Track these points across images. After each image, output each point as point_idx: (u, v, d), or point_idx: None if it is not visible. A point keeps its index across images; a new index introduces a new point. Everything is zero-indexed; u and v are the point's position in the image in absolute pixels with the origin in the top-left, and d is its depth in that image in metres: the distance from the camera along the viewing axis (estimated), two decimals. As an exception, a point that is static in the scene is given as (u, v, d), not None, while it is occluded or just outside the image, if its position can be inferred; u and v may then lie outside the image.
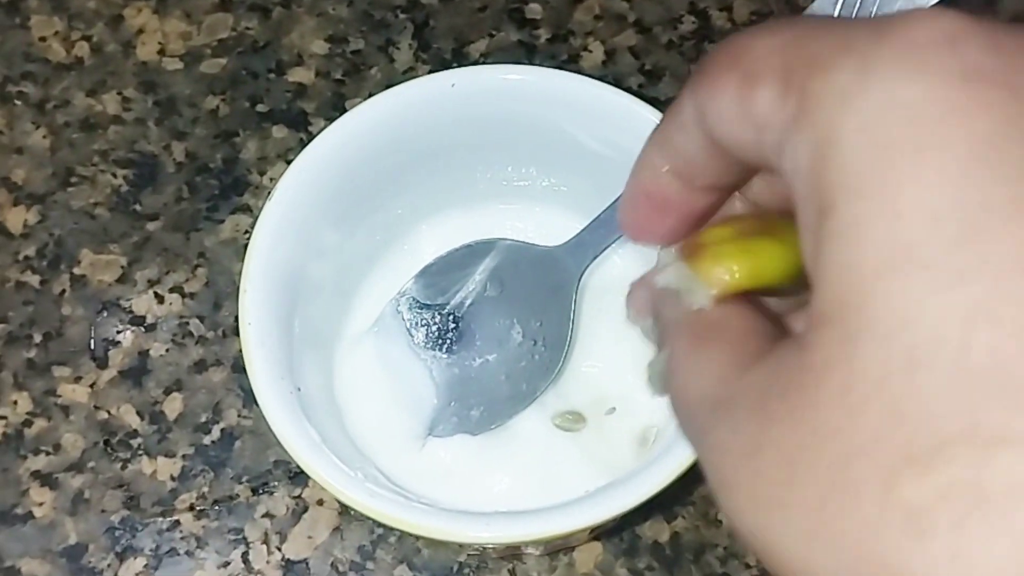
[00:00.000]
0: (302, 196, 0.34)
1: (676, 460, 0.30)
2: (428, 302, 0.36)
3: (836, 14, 0.31)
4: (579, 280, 0.36)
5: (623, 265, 0.37)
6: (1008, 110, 0.15)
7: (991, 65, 0.16)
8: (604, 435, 0.36)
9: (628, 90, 0.43)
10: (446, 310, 0.36)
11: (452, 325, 0.36)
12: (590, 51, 0.45)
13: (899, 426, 0.15)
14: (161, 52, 0.45)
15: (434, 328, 0.36)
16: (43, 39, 0.45)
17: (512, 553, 0.37)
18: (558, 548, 0.37)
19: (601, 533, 0.37)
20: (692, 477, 0.30)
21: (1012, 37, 0.16)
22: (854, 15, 0.31)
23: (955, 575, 0.14)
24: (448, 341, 0.36)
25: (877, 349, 0.15)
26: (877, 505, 0.15)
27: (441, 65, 0.45)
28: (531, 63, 0.45)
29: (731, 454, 0.18)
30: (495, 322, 0.36)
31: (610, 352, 0.36)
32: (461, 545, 0.36)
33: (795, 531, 0.16)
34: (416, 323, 0.36)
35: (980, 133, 0.15)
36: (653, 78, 0.45)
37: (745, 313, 0.20)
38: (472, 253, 0.36)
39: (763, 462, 0.17)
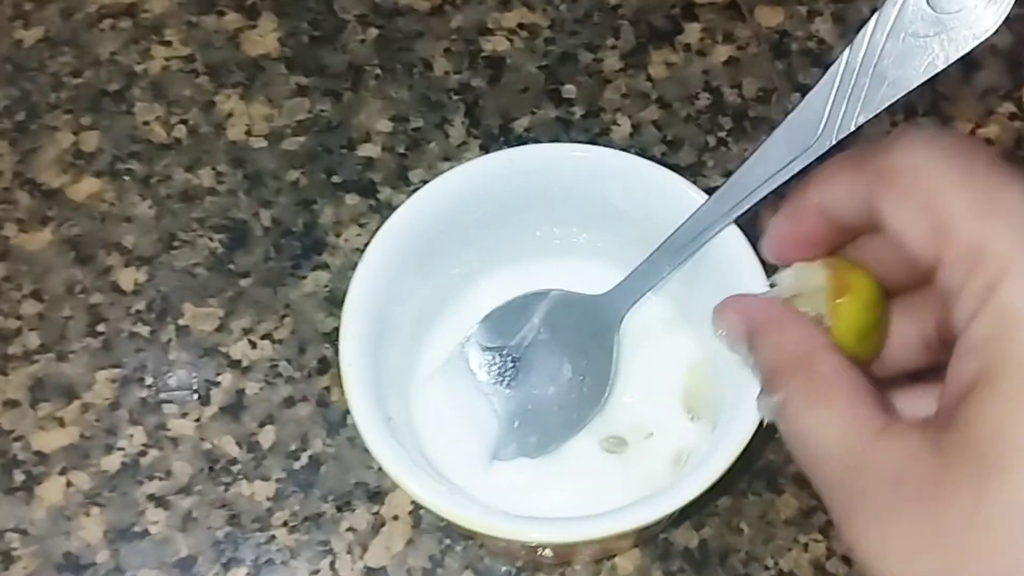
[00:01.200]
0: (388, 256, 0.39)
1: (705, 476, 0.34)
2: (490, 344, 0.42)
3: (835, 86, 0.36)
4: (620, 323, 0.41)
5: (657, 311, 0.43)
6: None
7: None
8: (644, 456, 0.41)
9: (652, 158, 0.49)
10: (505, 351, 0.42)
11: (511, 364, 0.42)
12: (619, 124, 0.51)
13: None
14: (248, 132, 0.51)
15: (496, 367, 0.42)
16: (146, 123, 0.52)
17: (563, 560, 0.43)
18: (603, 555, 0.43)
19: (639, 541, 0.43)
20: (717, 490, 0.35)
21: None
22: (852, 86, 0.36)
23: None
24: (508, 378, 0.41)
25: None
26: None
27: (489, 139, 0.51)
28: (568, 136, 0.51)
29: (864, 512, 0.24)
30: (548, 361, 0.41)
31: (647, 384, 0.41)
32: (521, 552, 0.42)
33: None
34: (480, 363, 0.42)
35: None
36: (674, 147, 0.51)
37: (854, 372, 0.26)
38: (527, 302, 0.42)
39: (896, 528, 0.22)
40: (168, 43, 0.54)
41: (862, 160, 0.30)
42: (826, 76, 0.35)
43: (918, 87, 0.35)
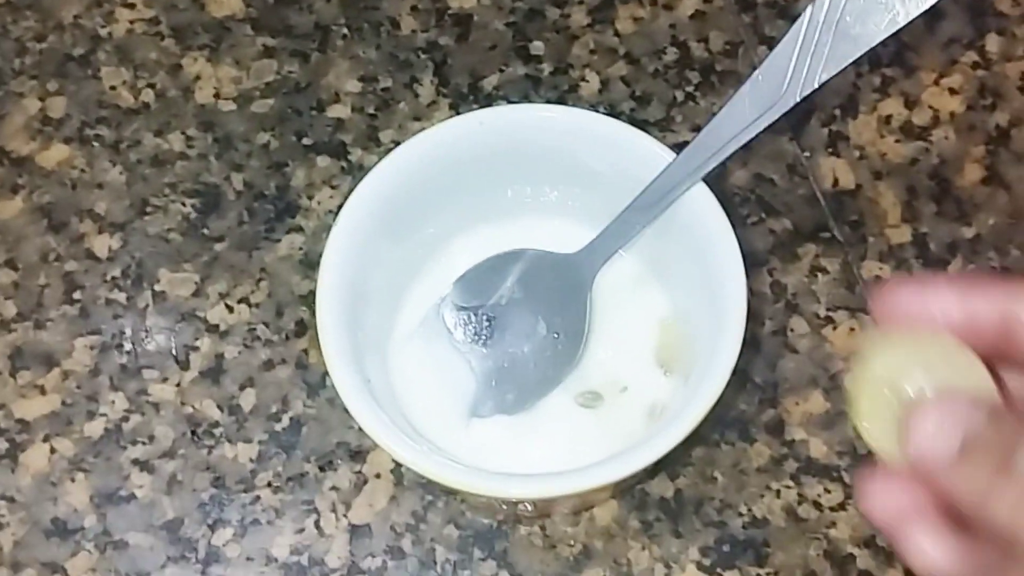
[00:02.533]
0: (362, 219, 0.40)
1: (678, 428, 0.36)
2: (466, 304, 0.42)
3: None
4: (592, 281, 0.42)
5: (629, 268, 0.43)
6: None
7: None
8: (619, 410, 0.42)
9: (621, 114, 0.50)
10: (481, 311, 0.42)
11: (487, 323, 0.42)
12: (587, 81, 0.51)
13: None
14: (216, 95, 0.51)
15: (472, 326, 0.42)
16: (113, 88, 0.51)
17: (543, 513, 0.44)
18: (581, 507, 0.44)
19: (617, 493, 0.44)
20: (691, 441, 0.36)
21: None
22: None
23: None
24: (484, 337, 0.42)
25: None
26: None
27: (459, 98, 0.51)
28: (537, 94, 0.51)
29: None
30: (523, 319, 0.42)
31: (621, 340, 0.42)
32: (502, 506, 0.43)
33: None
34: (456, 323, 0.42)
35: None
36: (643, 103, 0.51)
37: None
38: (501, 261, 0.42)
39: None
40: (132, 5, 0.53)
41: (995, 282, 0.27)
42: (789, 33, 0.36)
43: (880, 43, 0.36)
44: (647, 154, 0.40)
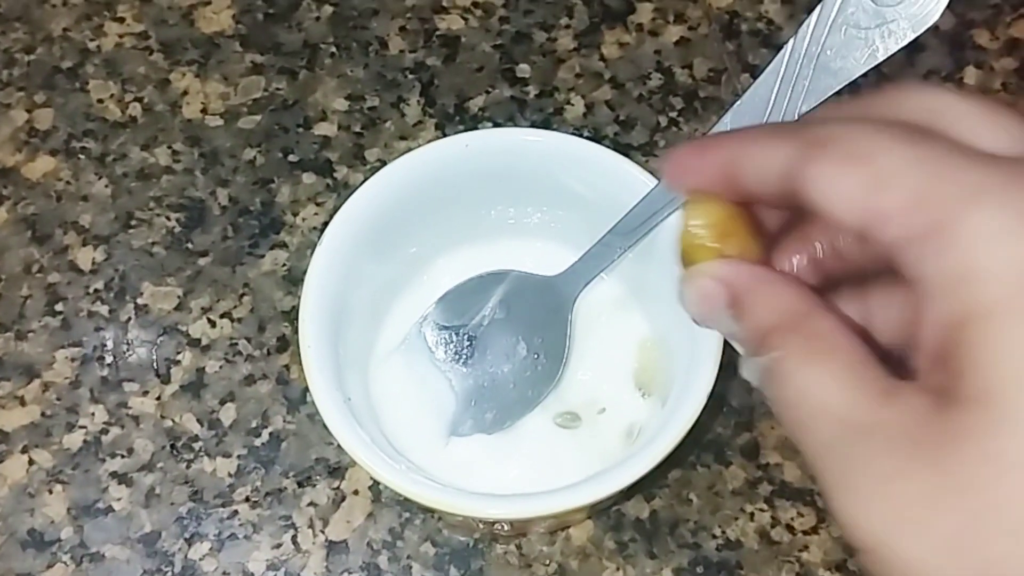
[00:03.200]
0: (344, 239, 0.40)
1: (656, 450, 0.36)
2: (447, 323, 0.43)
3: (778, 81, 0.38)
4: (574, 303, 0.42)
5: (610, 291, 0.44)
6: None
7: None
8: (596, 431, 0.42)
9: (605, 138, 0.51)
10: (462, 330, 0.43)
11: (468, 343, 0.43)
12: (572, 104, 0.52)
13: None
14: (204, 111, 0.52)
15: (453, 345, 0.43)
16: (101, 101, 0.52)
17: (519, 532, 0.44)
18: (558, 527, 0.44)
19: (593, 513, 0.44)
20: (668, 463, 0.37)
21: None
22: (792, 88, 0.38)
23: None
24: (465, 356, 0.43)
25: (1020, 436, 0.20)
26: (1010, 544, 0.20)
27: (445, 118, 0.52)
28: (522, 116, 0.51)
29: (868, 476, 0.22)
30: (504, 339, 0.43)
31: (600, 362, 0.43)
32: (478, 525, 0.43)
33: (929, 547, 0.20)
34: (437, 342, 0.43)
35: None
36: (627, 127, 0.51)
37: (854, 333, 0.24)
38: (483, 282, 0.43)
39: (906, 490, 0.21)
40: (121, 19, 0.54)
41: (792, 129, 0.28)
42: (771, 65, 0.36)
43: (859, 77, 0.36)
44: (629, 179, 0.41)
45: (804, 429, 0.24)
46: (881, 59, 0.35)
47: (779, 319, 0.26)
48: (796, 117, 0.37)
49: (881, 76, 0.52)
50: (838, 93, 0.36)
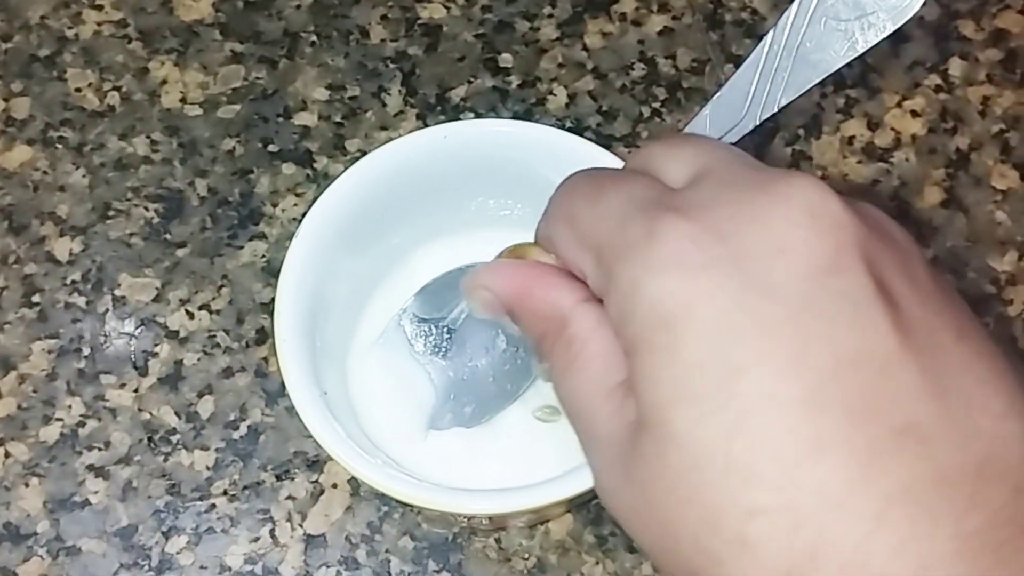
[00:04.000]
0: (322, 231, 0.40)
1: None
2: (426, 316, 0.42)
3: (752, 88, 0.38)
4: (552, 296, 0.42)
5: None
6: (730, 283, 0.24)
7: (704, 257, 0.24)
8: (575, 425, 0.42)
9: (587, 129, 0.51)
10: (442, 323, 0.42)
11: (447, 335, 0.42)
12: (554, 95, 0.52)
13: (696, 500, 0.23)
14: (183, 100, 0.51)
15: (432, 338, 0.42)
16: (78, 89, 0.51)
17: (498, 526, 0.44)
18: (537, 521, 0.44)
19: (573, 507, 0.44)
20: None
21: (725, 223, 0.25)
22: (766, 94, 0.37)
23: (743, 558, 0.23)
24: (444, 349, 0.42)
25: (680, 453, 0.24)
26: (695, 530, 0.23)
27: (426, 108, 0.51)
28: (504, 106, 0.51)
29: (605, 464, 0.27)
30: (483, 332, 0.42)
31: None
32: (457, 519, 0.43)
33: (645, 520, 0.25)
34: (416, 334, 0.42)
35: (707, 318, 0.24)
36: (609, 118, 0.51)
37: (603, 330, 0.27)
38: (463, 274, 0.42)
39: (620, 505, 0.26)
40: (100, 7, 0.53)
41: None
42: (751, 57, 0.36)
43: (838, 69, 0.36)
44: (609, 171, 0.40)
45: (571, 418, 0.28)
46: (861, 51, 0.35)
47: (545, 327, 0.29)
48: (776, 109, 0.36)
49: (866, 67, 0.52)
50: (818, 85, 0.36)
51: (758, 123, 0.37)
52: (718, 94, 0.37)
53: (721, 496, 0.23)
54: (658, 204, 0.26)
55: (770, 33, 0.36)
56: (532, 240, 0.33)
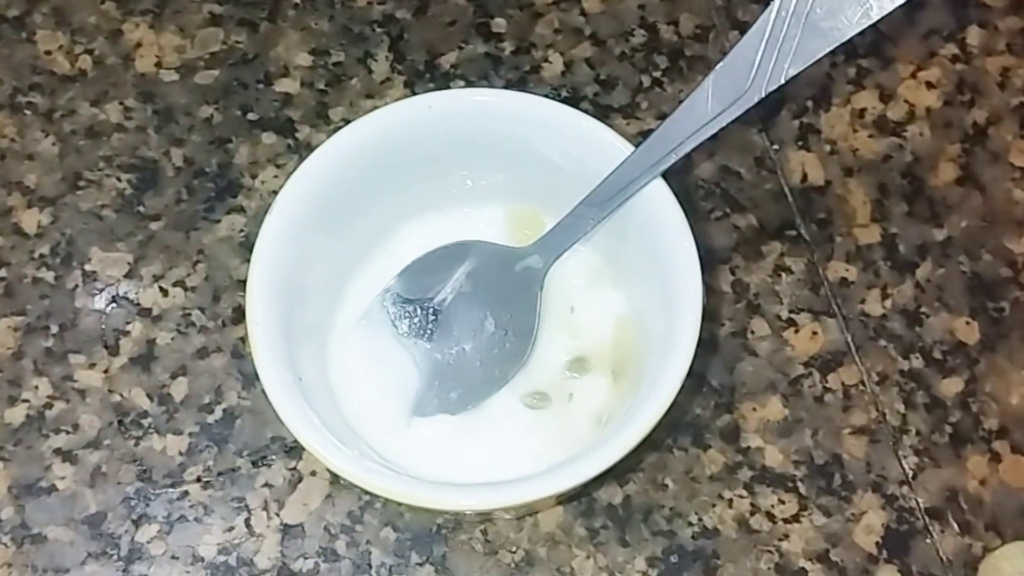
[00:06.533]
0: (298, 206, 0.38)
1: (627, 437, 0.34)
2: (411, 297, 0.40)
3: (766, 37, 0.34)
4: (544, 277, 0.40)
5: (584, 264, 0.41)
6: None
7: None
8: (566, 412, 0.40)
9: (584, 98, 0.48)
10: (427, 304, 0.40)
11: (432, 317, 0.40)
12: (550, 62, 0.49)
13: None
14: (158, 64, 0.49)
15: (416, 320, 0.40)
16: (48, 53, 0.49)
17: (485, 517, 0.42)
18: (525, 512, 0.42)
19: (563, 499, 0.42)
20: (643, 446, 0.34)
21: None
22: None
23: None
24: (429, 331, 0.40)
25: None
26: None
27: (415, 75, 0.49)
28: (496, 74, 0.49)
29: None
30: (470, 314, 0.40)
31: (572, 339, 0.41)
32: (441, 511, 0.41)
33: None
34: (400, 315, 0.40)
35: None
36: (607, 87, 0.49)
37: None
38: (449, 253, 0.40)
39: None
40: (73, -35, 0.50)
41: None
42: (756, 25, 0.34)
43: (851, 38, 0.33)
44: (605, 145, 0.38)
45: None
46: (875, 18, 0.33)
47: None
48: (783, 81, 0.34)
49: (879, 36, 0.49)
50: (828, 54, 0.34)
51: (763, 95, 0.34)
52: (721, 64, 0.35)
53: None
54: None
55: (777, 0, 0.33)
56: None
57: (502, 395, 0.40)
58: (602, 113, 0.47)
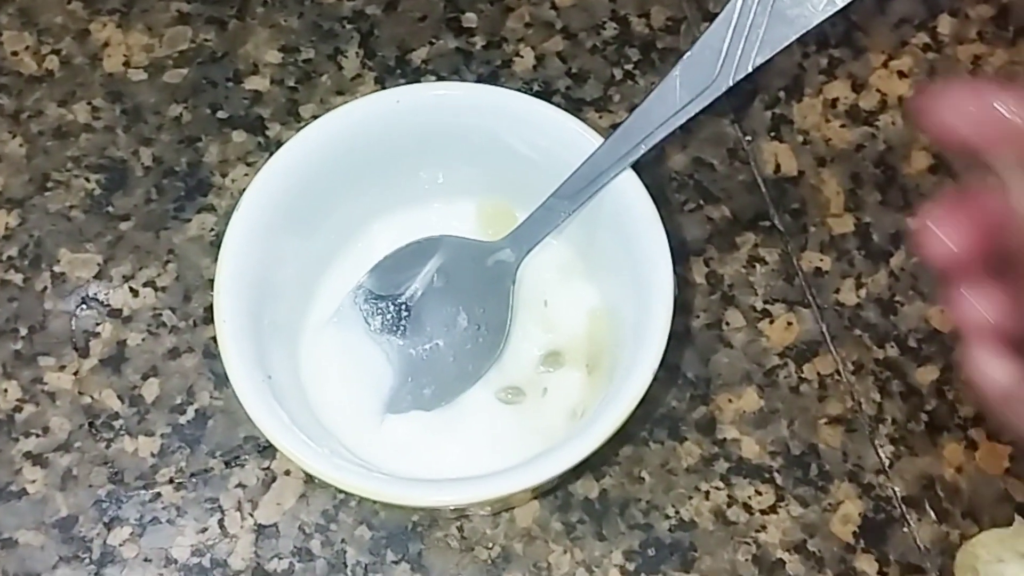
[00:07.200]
0: (266, 204, 0.37)
1: (600, 430, 0.34)
2: (382, 293, 0.40)
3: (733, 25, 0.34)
4: (516, 270, 0.40)
5: (557, 257, 0.41)
6: None
7: None
8: (541, 407, 0.39)
9: (556, 92, 0.48)
10: (399, 300, 0.40)
11: (405, 313, 0.40)
12: (521, 56, 0.49)
13: None
14: (126, 64, 0.48)
15: (389, 316, 0.40)
16: (15, 53, 0.48)
17: (461, 513, 0.42)
18: (501, 508, 0.42)
19: (539, 493, 0.42)
20: (618, 439, 0.34)
21: None
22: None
23: None
24: (402, 328, 0.40)
25: None
26: None
27: (385, 71, 0.48)
28: (468, 69, 0.48)
29: None
30: (443, 310, 0.40)
31: (545, 333, 0.41)
32: (415, 507, 0.41)
33: None
34: (372, 312, 0.40)
35: None
36: (579, 80, 0.48)
37: None
38: (420, 248, 0.40)
39: None
40: (39, -35, 0.50)
41: None
42: (723, 15, 0.34)
43: (822, 23, 0.33)
44: (575, 138, 0.38)
45: None
46: (841, 5, 0.33)
47: None
48: (751, 69, 0.34)
49: (850, 25, 0.49)
50: (803, 41, 0.34)
51: (731, 84, 0.34)
52: (688, 53, 0.34)
53: None
54: None
55: (744, -14, 0.33)
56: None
57: (476, 390, 0.40)
58: (574, 107, 0.47)
